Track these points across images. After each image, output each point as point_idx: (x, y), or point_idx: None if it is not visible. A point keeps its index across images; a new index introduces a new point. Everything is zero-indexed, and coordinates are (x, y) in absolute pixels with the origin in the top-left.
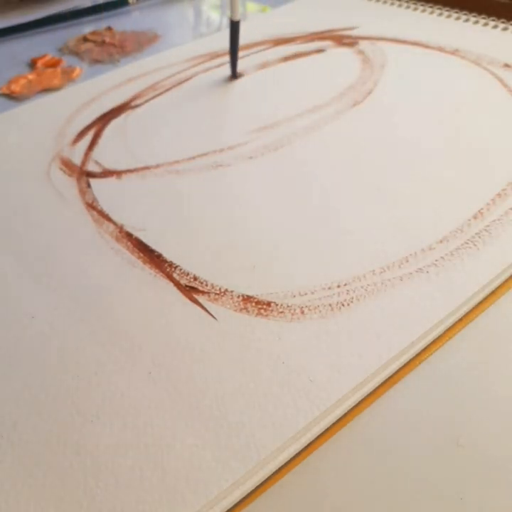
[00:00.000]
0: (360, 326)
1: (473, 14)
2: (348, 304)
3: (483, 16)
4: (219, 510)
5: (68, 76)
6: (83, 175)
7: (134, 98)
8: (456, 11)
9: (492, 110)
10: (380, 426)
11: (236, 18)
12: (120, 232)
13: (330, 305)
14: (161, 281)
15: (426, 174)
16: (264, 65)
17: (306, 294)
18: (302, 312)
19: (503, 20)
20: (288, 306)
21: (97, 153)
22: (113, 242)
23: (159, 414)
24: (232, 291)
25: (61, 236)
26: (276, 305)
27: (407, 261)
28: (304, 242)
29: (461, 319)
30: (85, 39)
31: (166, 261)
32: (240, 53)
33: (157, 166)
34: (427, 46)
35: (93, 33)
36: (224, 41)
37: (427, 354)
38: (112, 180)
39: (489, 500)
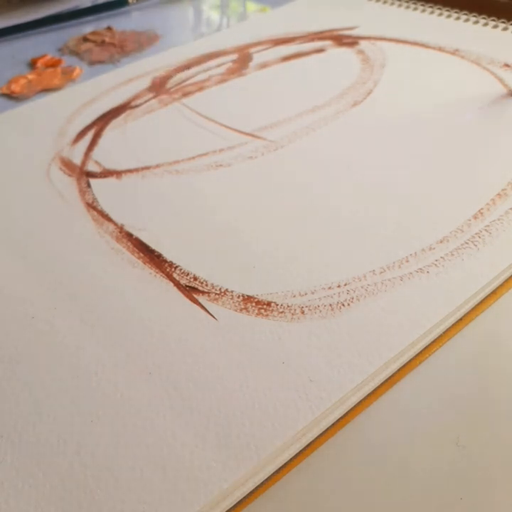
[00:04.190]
0: (360, 326)
1: (473, 14)
2: (348, 304)
3: (483, 16)
4: (219, 510)
5: (68, 76)
6: (83, 175)
7: (134, 98)
8: (456, 11)
9: (492, 110)
10: (380, 426)
11: None
12: (120, 232)
13: (330, 305)
14: (161, 281)
15: (426, 174)
16: (264, 65)
17: (306, 294)
18: (302, 312)
19: (503, 20)
20: (288, 306)
21: (97, 153)
22: (113, 242)
23: (159, 414)
24: (232, 291)
25: (61, 236)
26: (276, 305)
27: (407, 261)
28: (304, 242)
29: (461, 319)
30: (85, 39)
31: (166, 261)
32: (240, 54)
33: (157, 166)
34: (427, 46)
35: (93, 33)
36: (223, 40)
37: (427, 354)
38: (112, 180)
39: (489, 500)
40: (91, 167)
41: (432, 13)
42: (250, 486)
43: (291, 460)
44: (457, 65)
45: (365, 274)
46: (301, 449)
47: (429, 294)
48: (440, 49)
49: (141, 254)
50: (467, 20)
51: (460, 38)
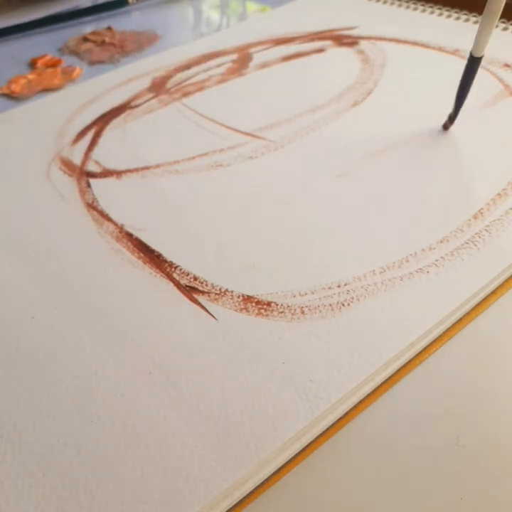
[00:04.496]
0: (360, 326)
1: (473, 14)
2: (348, 304)
3: None
4: (219, 510)
5: (68, 76)
6: (83, 175)
7: (134, 98)
8: (456, 11)
9: (492, 110)
10: (380, 426)
11: (479, 52)
12: (120, 232)
13: (330, 305)
14: (161, 281)
15: (426, 174)
16: (264, 65)
17: (306, 294)
18: (302, 312)
19: (503, 20)
20: (288, 306)
21: (97, 153)
22: (113, 242)
23: (159, 414)
24: (232, 291)
25: (61, 236)
26: (276, 305)
27: (407, 261)
28: (304, 242)
29: (461, 319)
30: (85, 39)
31: (166, 261)
32: (240, 54)
33: (157, 166)
34: (427, 46)
35: (93, 33)
36: (223, 40)
37: (427, 354)
38: (111, 180)
39: (489, 500)
40: (91, 167)
41: (431, 13)
42: (250, 486)
43: (291, 460)
44: (457, 65)
45: (365, 274)
46: (301, 449)
47: (429, 294)
48: (440, 49)
49: (141, 254)
50: (467, 20)
51: (460, 38)
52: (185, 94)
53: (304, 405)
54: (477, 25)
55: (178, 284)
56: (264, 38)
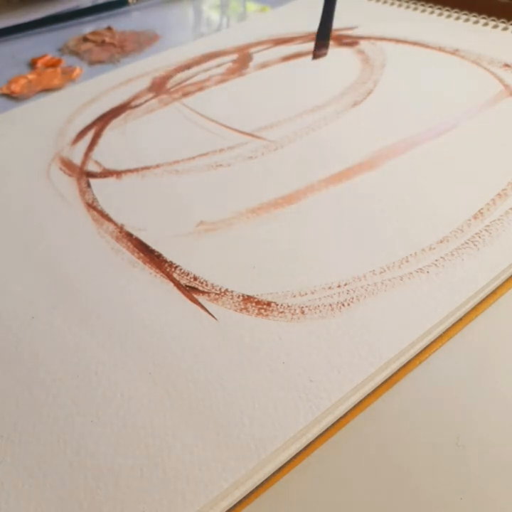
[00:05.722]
0: (360, 326)
1: (473, 14)
2: (348, 304)
3: (483, 16)
4: (219, 510)
5: (68, 76)
6: (83, 175)
7: (134, 98)
8: (456, 11)
9: (492, 110)
10: (380, 426)
11: None
12: (120, 232)
13: (330, 305)
14: (161, 281)
15: (426, 174)
16: (264, 65)
17: (306, 294)
18: (302, 312)
19: (503, 20)
20: (288, 306)
21: (97, 153)
22: (113, 242)
23: (159, 414)
24: (232, 291)
25: (61, 236)
26: (276, 305)
27: (407, 261)
28: (304, 242)
29: (461, 319)
30: (85, 39)
31: (166, 261)
32: (240, 54)
33: (157, 166)
34: (427, 46)
35: (93, 33)
36: (223, 40)
37: (427, 354)
38: (112, 180)
39: (489, 500)
40: (91, 167)
41: (432, 13)
42: (250, 486)
43: (291, 460)
44: (457, 65)
45: (365, 274)
46: (301, 449)
47: (429, 294)
48: (440, 49)
49: (141, 254)
50: (467, 20)
51: (460, 38)
52: (185, 94)
53: (304, 405)
54: (477, 25)
55: (178, 284)
56: (264, 38)
